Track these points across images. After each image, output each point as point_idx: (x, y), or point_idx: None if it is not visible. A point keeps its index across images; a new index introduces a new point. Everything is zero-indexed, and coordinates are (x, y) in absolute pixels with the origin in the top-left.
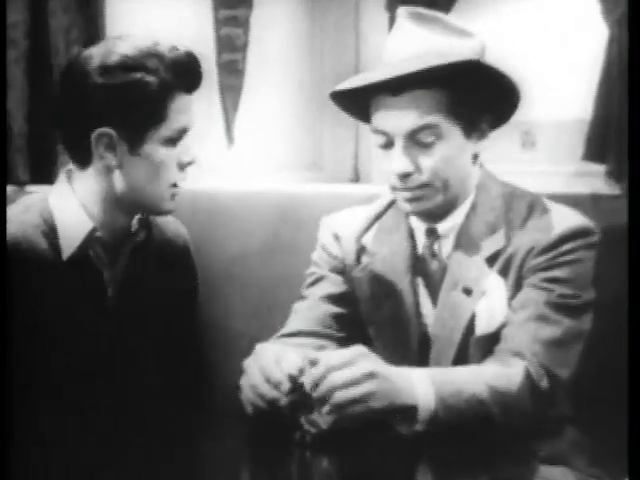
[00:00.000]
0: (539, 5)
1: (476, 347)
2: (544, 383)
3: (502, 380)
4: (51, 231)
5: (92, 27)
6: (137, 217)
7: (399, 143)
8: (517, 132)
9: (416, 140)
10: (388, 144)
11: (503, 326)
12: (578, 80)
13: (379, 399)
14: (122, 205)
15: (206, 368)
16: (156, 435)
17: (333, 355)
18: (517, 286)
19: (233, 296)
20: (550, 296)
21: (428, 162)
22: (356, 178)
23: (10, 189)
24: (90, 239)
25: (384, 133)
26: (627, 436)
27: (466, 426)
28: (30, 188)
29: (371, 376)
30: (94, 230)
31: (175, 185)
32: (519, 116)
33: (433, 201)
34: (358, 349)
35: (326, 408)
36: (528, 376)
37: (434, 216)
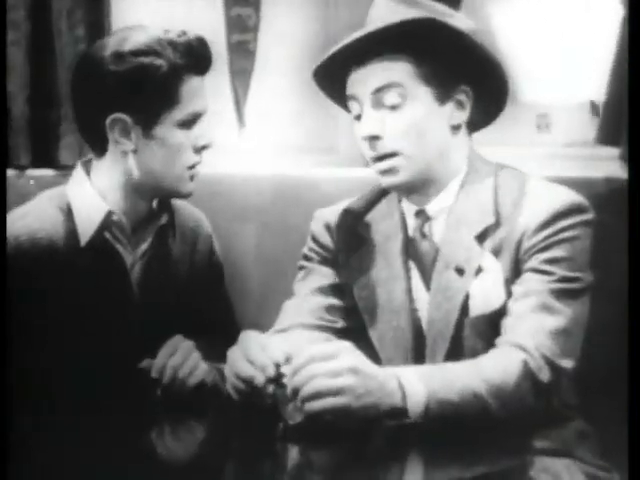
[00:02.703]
0: None
1: (471, 329)
2: (545, 376)
3: (498, 373)
4: (69, 220)
5: (95, 8)
6: (157, 201)
7: (367, 106)
8: (532, 114)
9: (382, 102)
10: (359, 114)
11: (501, 310)
12: (597, 61)
13: (362, 397)
14: (141, 190)
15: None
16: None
17: (317, 347)
18: (515, 269)
19: (239, 280)
20: (552, 281)
21: (396, 124)
22: None
23: (11, 173)
24: (107, 223)
25: (352, 97)
26: (627, 425)
27: (463, 418)
28: (31, 172)
29: (352, 371)
30: (110, 213)
31: (192, 167)
32: (534, 98)
33: (408, 172)
34: (344, 344)
35: (301, 395)
36: (527, 369)
37: (421, 196)
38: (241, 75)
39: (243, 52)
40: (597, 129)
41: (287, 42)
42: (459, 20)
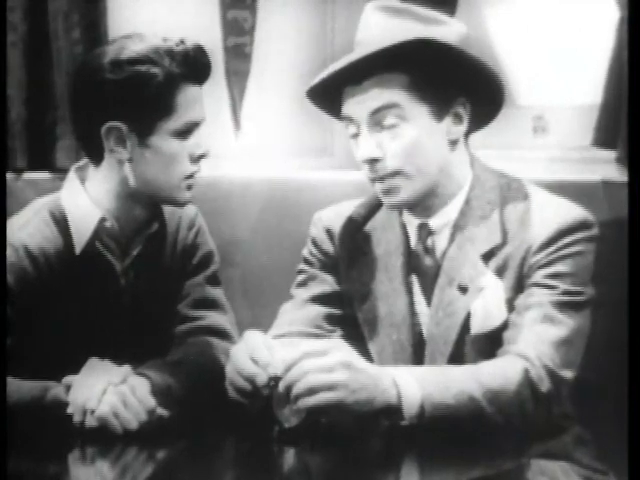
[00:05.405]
0: None
1: (471, 346)
2: (545, 386)
3: (498, 380)
4: (65, 229)
5: (92, 10)
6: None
7: (364, 128)
8: (528, 117)
9: (380, 124)
10: (356, 133)
11: (502, 327)
12: (593, 64)
13: (356, 392)
14: (137, 198)
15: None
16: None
17: (309, 343)
18: (518, 286)
19: (236, 284)
20: (555, 294)
21: (394, 146)
22: None
23: (8, 176)
24: (100, 230)
25: (349, 118)
26: (627, 431)
27: (459, 421)
28: (28, 175)
29: (345, 366)
30: (103, 220)
31: (189, 177)
32: (531, 101)
33: (410, 191)
34: (336, 341)
35: (295, 392)
36: (527, 378)
37: (424, 210)
38: (237, 78)
39: (239, 55)
40: (594, 132)
41: (283, 45)
42: (451, 27)
